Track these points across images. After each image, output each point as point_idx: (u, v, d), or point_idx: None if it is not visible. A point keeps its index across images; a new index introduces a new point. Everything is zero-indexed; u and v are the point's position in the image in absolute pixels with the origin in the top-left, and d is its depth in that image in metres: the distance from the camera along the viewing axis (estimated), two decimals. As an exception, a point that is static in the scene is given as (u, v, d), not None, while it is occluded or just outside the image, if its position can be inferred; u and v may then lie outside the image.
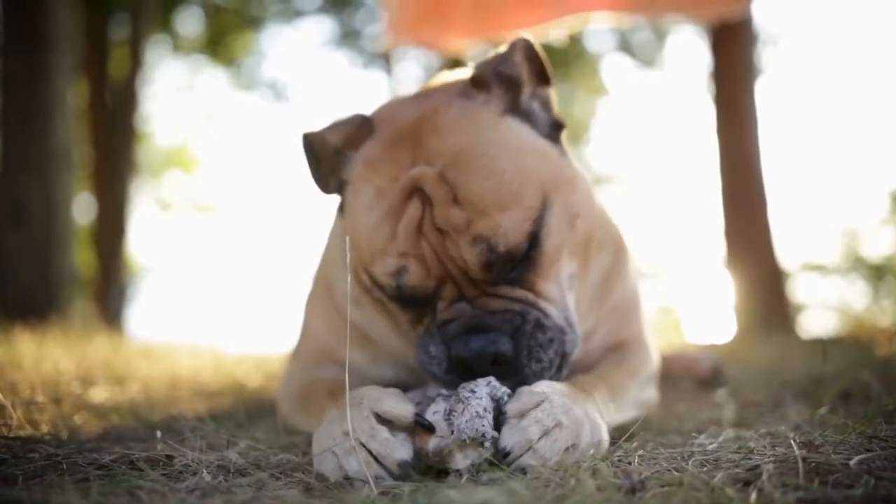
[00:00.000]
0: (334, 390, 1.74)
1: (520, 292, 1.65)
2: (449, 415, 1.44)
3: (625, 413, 1.78)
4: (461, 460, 1.42)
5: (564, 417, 1.46)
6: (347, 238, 1.70)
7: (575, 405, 1.51)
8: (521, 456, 1.40)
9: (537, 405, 1.46)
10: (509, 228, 1.60)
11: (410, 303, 1.69)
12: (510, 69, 1.78)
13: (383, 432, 1.43)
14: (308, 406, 1.84)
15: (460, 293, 1.64)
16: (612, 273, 2.00)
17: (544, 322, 1.64)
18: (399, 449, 1.42)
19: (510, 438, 1.42)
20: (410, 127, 1.74)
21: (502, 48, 1.83)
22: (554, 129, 1.83)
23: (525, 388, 1.51)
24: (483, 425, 1.41)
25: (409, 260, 1.63)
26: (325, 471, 1.45)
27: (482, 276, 1.62)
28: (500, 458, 1.41)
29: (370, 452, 1.41)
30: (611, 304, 2.00)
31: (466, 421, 1.41)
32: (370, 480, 1.37)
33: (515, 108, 1.78)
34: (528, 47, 1.81)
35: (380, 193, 1.68)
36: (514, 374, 1.59)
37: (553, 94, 1.88)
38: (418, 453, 1.45)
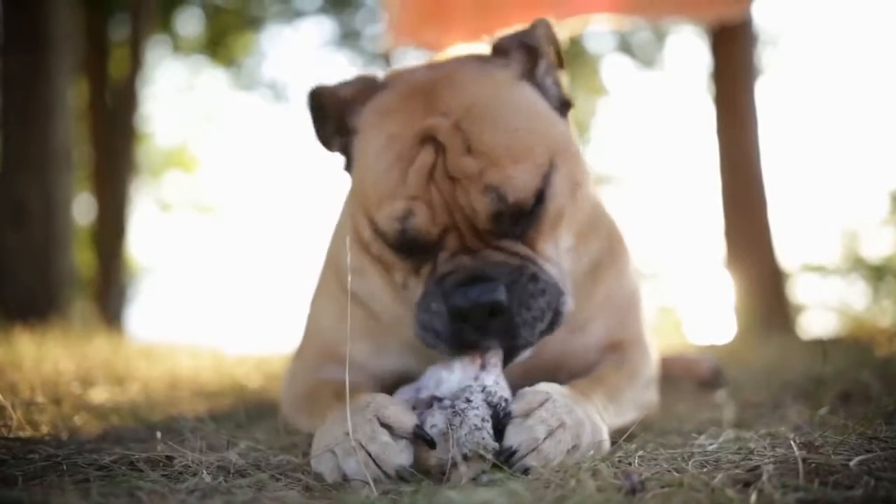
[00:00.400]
0: (340, 391, 1.74)
1: (521, 247, 1.68)
2: (448, 429, 1.43)
3: (624, 416, 1.78)
4: (465, 472, 1.40)
5: (567, 417, 1.47)
6: (350, 190, 1.73)
7: (577, 406, 1.52)
8: (526, 455, 1.40)
9: (541, 404, 1.46)
10: (520, 181, 1.64)
11: (411, 250, 1.69)
12: (531, 40, 1.86)
13: (384, 435, 1.43)
14: (312, 407, 1.84)
15: (463, 244, 1.66)
16: (605, 263, 2.01)
17: (539, 275, 1.66)
18: (398, 453, 1.42)
19: (516, 437, 1.42)
20: (425, 83, 1.78)
21: (524, 25, 1.90)
22: (563, 106, 1.89)
23: (528, 389, 1.52)
24: (483, 437, 1.40)
25: (417, 204, 1.64)
26: (322, 470, 1.45)
27: (489, 226, 1.64)
28: (506, 457, 1.40)
29: (369, 455, 1.41)
30: (604, 297, 2.00)
31: (466, 434, 1.40)
32: (369, 481, 1.37)
33: (531, 76, 1.85)
34: (549, 28, 1.89)
35: (392, 139, 1.71)
36: (509, 327, 1.60)
37: (565, 77, 1.95)
38: (420, 465, 1.44)
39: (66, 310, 6.33)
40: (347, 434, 1.43)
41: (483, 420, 1.43)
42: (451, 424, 1.43)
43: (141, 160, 14.31)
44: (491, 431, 1.42)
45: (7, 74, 6.55)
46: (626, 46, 15.77)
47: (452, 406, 1.46)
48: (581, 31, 7.98)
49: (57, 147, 6.52)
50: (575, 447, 1.46)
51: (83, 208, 12.49)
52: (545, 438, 1.42)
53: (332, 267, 2.12)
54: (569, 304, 1.72)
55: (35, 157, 6.42)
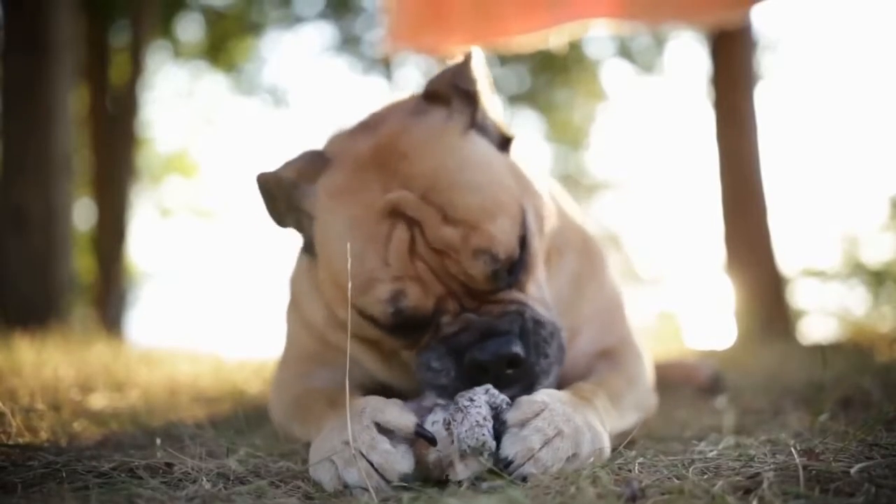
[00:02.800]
0: (333, 398, 1.73)
1: (513, 294, 1.68)
2: (448, 425, 1.44)
3: (626, 419, 1.78)
4: (462, 471, 1.41)
5: (565, 426, 1.46)
6: (319, 273, 1.73)
7: (576, 413, 1.51)
8: (523, 465, 1.40)
9: (537, 414, 1.46)
10: (503, 236, 1.63)
11: (408, 327, 1.67)
12: (468, 83, 1.81)
13: (384, 443, 1.43)
14: (305, 415, 1.83)
15: (462, 306, 1.65)
16: (584, 275, 2.01)
17: (541, 318, 1.67)
18: (400, 461, 1.42)
19: (511, 448, 1.41)
20: (371, 154, 1.73)
21: (453, 62, 1.85)
22: (504, 142, 1.86)
23: (525, 398, 1.51)
24: (483, 434, 1.41)
25: (405, 283, 1.62)
26: (322, 480, 1.44)
27: (487, 286, 1.64)
28: (502, 466, 1.40)
29: (371, 464, 1.40)
30: (590, 308, 2.01)
31: (466, 430, 1.41)
32: (371, 490, 1.36)
33: (473, 122, 1.80)
34: (478, 60, 1.84)
35: (354, 222, 1.66)
36: (526, 375, 1.62)
37: (498, 104, 1.91)
38: (418, 464, 1.44)
39: (65, 315, 6.32)
40: (347, 443, 1.43)
41: (485, 419, 1.43)
42: (452, 419, 1.43)
43: (141, 165, 14.33)
44: (492, 431, 1.42)
45: (8, 80, 6.55)
46: (625, 51, 15.79)
47: (456, 403, 1.46)
48: (581, 36, 7.99)
49: (57, 153, 6.52)
50: (574, 455, 1.45)
51: (83, 213, 12.50)
52: (542, 447, 1.41)
53: (295, 304, 2.11)
54: (565, 335, 1.74)
55: (35, 162, 6.41)
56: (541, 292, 1.76)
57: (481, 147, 1.77)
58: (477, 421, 1.42)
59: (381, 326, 1.68)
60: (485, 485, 1.38)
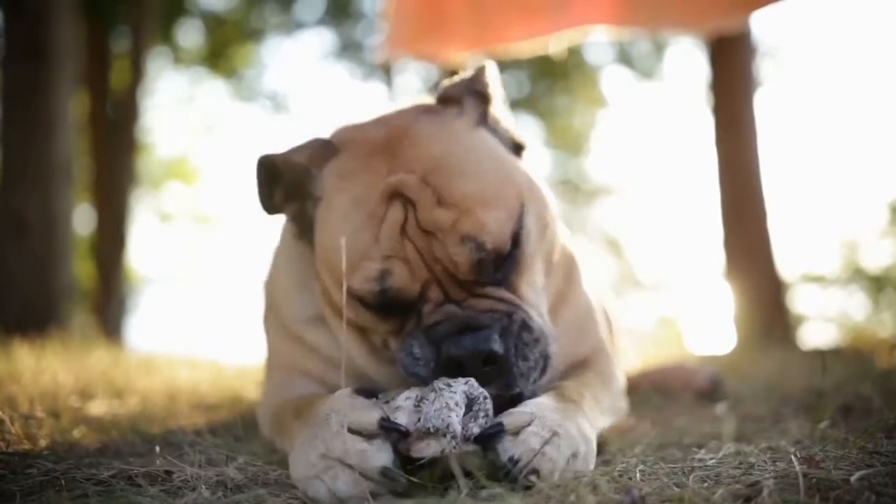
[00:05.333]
0: (300, 409, 1.73)
1: (504, 293, 1.67)
2: (419, 402, 1.44)
3: (601, 422, 1.79)
4: (423, 448, 1.40)
5: (560, 429, 1.46)
6: (316, 256, 1.73)
7: (565, 420, 1.51)
8: (530, 461, 1.39)
9: (529, 423, 1.45)
10: (495, 226, 1.62)
11: (392, 309, 1.66)
12: (480, 85, 1.88)
13: (357, 443, 1.40)
14: (281, 428, 1.83)
15: (446, 296, 1.64)
16: (564, 292, 2.00)
17: (529, 323, 1.65)
18: (377, 455, 1.39)
19: (514, 449, 1.40)
20: (383, 140, 1.76)
21: (468, 71, 1.93)
22: (517, 149, 1.91)
23: (514, 410, 1.50)
24: (450, 417, 1.40)
25: (393, 262, 1.62)
26: (317, 497, 1.42)
27: (470, 275, 1.63)
28: (509, 467, 1.39)
29: (352, 468, 1.38)
30: (563, 324, 1.97)
31: (435, 410, 1.40)
32: (367, 496, 1.36)
33: (485, 122, 1.87)
34: (494, 72, 1.91)
35: (357, 201, 1.69)
36: (503, 374, 1.58)
37: (511, 118, 1.97)
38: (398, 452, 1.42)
39: (65, 322, 6.32)
40: (323, 455, 1.41)
41: (456, 404, 1.42)
42: (424, 399, 1.43)
43: (141, 171, 14.34)
44: (460, 418, 1.41)
45: (8, 86, 6.56)
46: (625, 57, 15.84)
47: (432, 385, 1.47)
48: (580, 42, 8.01)
49: (58, 159, 6.52)
50: (574, 455, 1.46)
51: (83, 219, 12.50)
52: (544, 445, 1.41)
53: (272, 308, 2.09)
54: (554, 347, 1.71)
55: (36, 169, 6.42)
56: (536, 298, 1.74)
57: (489, 142, 1.82)
58: (447, 404, 1.41)
59: (368, 307, 1.67)
60: (484, 492, 1.38)
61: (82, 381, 3.12)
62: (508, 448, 1.41)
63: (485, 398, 1.48)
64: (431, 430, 1.39)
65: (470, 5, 5.22)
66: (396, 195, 1.65)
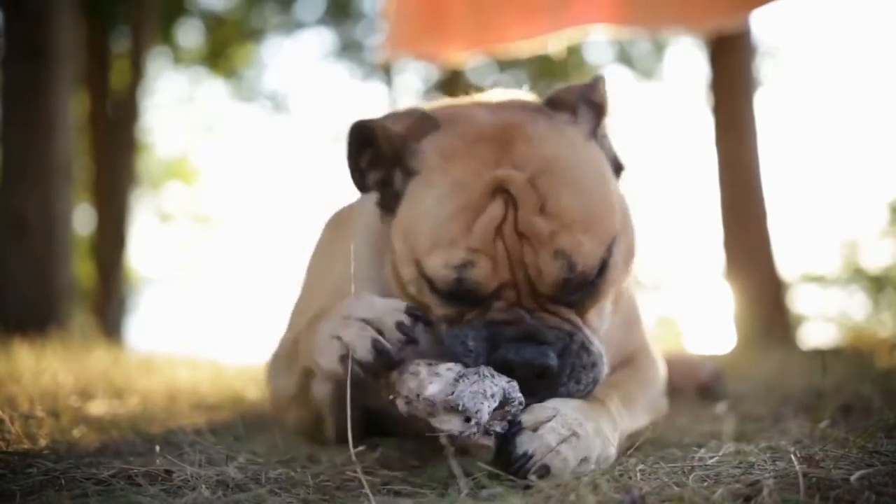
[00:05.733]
0: (319, 315, 1.73)
1: (572, 315, 1.64)
2: (459, 378, 1.42)
3: (638, 421, 1.79)
4: (445, 422, 1.40)
5: (578, 429, 1.47)
6: (395, 227, 1.72)
7: (586, 420, 1.52)
8: (544, 457, 1.39)
9: (550, 419, 1.46)
10: (589, 248, 1.59)
11: (462, 299, 1.63)
12: (597, 96, 1.81)
13: (375, 301, 1.51)
14: (295, 352, 1.81)
15: (519, 301, 1.62)
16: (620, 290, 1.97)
17: (589, 346, 1.63)
18: (395, 311, 1.49)
19: (530, 444, 1.41)
20: (493, 129, 1.71)
21: (587, 81, 1.85)
22: (617, 169, 1.85)
23: (536, 405, 1.50)
24: (482, 404, 1.39)
25: (479, 256, 1.59)
26: (326, 362, 1.51)
27: (551, 291, 1.60)
28: (522, 462, 1.39)
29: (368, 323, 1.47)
30: (618, 319, 1.96)
31: (471, 392, 1.39)
32: (367, 351, 1.44)
33: (595, 135, 1.80)
34: (608, 86, 1.83)
35: (458, 186, 1.64)
36: (549, 389, 1.57)
37: (618, 136, 1.90)
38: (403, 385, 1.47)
39: (65, 322, 6.32)
40: (344, 317, 1.51)
41: (492, 396, 1.41)
42: (465, 377, 1.42)
43: (141, 171, 14.35)
44: (490, 410, 1.41)
45: (8, 86, 6.57)
46: (625, 57, 15.83)
47: (477, 369, 1.46)
48: (580, 42, 8.00)
49: (58, 159, 6.52)
50: (585, 459, 1.46)
51: (83, 219, 12.51)
52: (560, 443, 1.42)
53: (327, 256, 2.10)
54: (605, 372, 1.69)
55: (36, 169, 6.42)
56: (600, 325, 1.72)
57: (599, 158, 1.76)
58: (484, 391, 1.40)
59: (435, 290, 1.65)
60: (484, 492, 1.38)
61: (82, 381, 3.12)
62: (524, 442, 1.41)
63: (520, 403, 1.48)
64: (460, 408, 1.38)
65: (470, 5, 5.22)
66: (500, 190, 1.60)
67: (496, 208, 1.60)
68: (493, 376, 1.45)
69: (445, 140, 1.72)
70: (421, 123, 1.76)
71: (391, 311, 1.53)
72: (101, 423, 2.38)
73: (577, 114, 1.79)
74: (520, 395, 1.48)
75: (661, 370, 2.10)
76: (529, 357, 1.54)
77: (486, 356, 1.57)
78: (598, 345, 1.67)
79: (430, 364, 1.50)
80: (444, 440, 1.39)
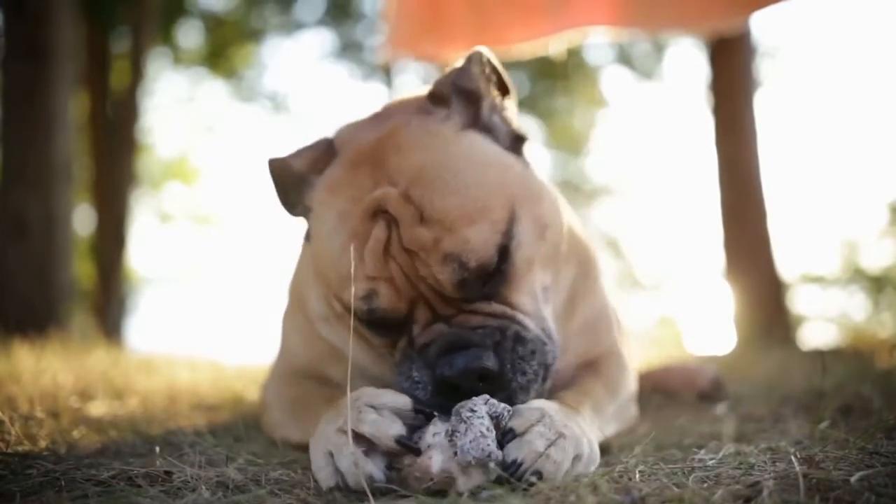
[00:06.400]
0: (331, 397, 1.73)
1: (496, 307, 1.62)
2: (451, 435, 1.39)
3: (605, 430, 1.78)
4: (464, 483, 1.37)
5: (566, 430, 1.46)
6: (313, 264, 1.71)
7: (569, 421, 1.51)
8: (534, 463, 1.39)
9: (539, 420, 1.45)
10: (478, 243, 1.57)
11: (383, 327, 1.66)
12: (468, 82, 1.76)
13: (371, 413, 1.41)
14: (304, 413, 1.83)
15: (434, 313, 1.61)
16: (579, 288, 1.96)
17: (524, 335, 1.61)
18: (392, 425, 1.41)
19: (518, 451, 1.40)
20: (370, 148, 1.71)
21: (459, 62, 1.81)
22: (516, 142, 1.81)
23: (522, 406, 1.50)
24: (488, 444, 1.38)
25: (378, 283, 1.60)
26: (320, 476, 1.43)
27: (456, 294, 1.60)
28: (513, 470, 1.38)
29: (363, 439, 1.40)
30: (580, 321, 1.96)
31: (471, 441, 1.37)
32: (363, 481, 1.36)
33: (476, 122, 1.77)
34: (485, 60, 1.79)
35: (342, 217, 1.66)
36: (502, 389, 1.56)
37: (513, 105, 1.86)
38: (420, 470, 1.41)
39: (65, 322, 6.32)
40: (340, 430, 1.42)
41: (488, 429, 1.40)
42: (455, 431, 1.39)
43: (141, 171, 14.35)
44: (495, 441, 1.40)
45: (8, 86, 6.55)
46: (625, 58, 15.84)
47: (458, 415, 1.42)
48: (580, 43, 8.01)
49: (58, 160, 6.52)
50: (577, 457, 1.46)
51: (83, 219, 12.51)
52: (549, 447, 1.41)
53: (298, 304, 2.07)
54: (556, 353, 1.68)
55: (35, 169, 6.41)
56: (535, 304, 1.69)
57: (478, 147, 1.72)
58: (481, 432, 1.39)
59: (361, 321, 1.67)
60: (485, 493, 1.37)
61: (82, 381, 3.12)
62: (512, 450, 1.40)
63: (508, 412, 1.46)
64: (473, 462, 1.36)
65: (470, 6, 5.22)
66: (380, 211, 1.61)
67: (379, 231, 1.60)
68: (474, 411, 1.42)
69: (333, 171, 1.75)
70: (322, 157, 1.79)
71: (390, 422, 1.43)
72: (100, 423, 2.38)
73: (449, 107, 1.76)
74: (503, 405, 1.47)
75: (632, 377, 2.07)
76: (462, 365, 1.53)
77: (432, 383, 1.57)
78: (536, 329, 1.65)
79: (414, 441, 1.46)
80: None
